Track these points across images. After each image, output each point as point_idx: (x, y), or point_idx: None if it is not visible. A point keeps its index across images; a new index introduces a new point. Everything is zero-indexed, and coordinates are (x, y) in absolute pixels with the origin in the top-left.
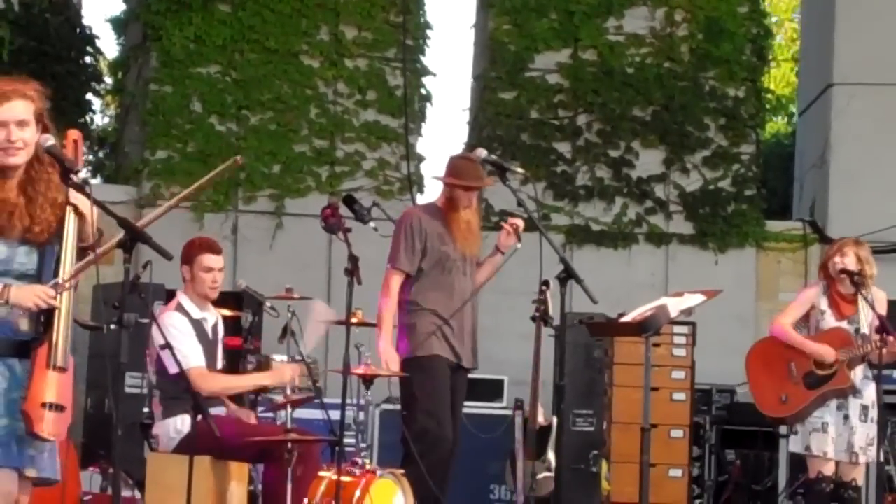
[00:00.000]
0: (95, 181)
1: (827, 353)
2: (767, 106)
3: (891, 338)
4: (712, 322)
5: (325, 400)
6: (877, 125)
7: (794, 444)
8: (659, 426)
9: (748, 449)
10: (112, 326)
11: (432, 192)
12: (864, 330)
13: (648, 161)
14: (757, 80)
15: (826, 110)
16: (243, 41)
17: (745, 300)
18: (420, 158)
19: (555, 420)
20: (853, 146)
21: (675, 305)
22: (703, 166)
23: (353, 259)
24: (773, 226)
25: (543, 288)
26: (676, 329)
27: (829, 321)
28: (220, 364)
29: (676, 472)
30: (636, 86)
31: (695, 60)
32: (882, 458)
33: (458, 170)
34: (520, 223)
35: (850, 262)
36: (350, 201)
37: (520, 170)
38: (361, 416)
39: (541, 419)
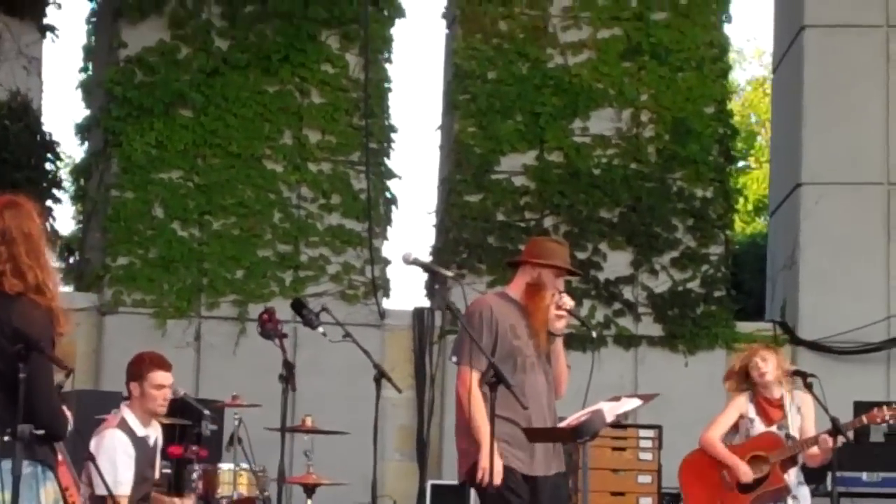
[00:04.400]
0: (65, 288)
1: (744, 474)
2: (737, 206)
3: (824, 436)
4: (682, 425)
5: None
6: (845, 225)
7: None
8: None
9: None
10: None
11: (398, 297)
12: (794, 433)
13: (616, 263)
14: (724, 181)
15: (795, 210)
16: (206, 146)
17: (715, 402)
18: (385, 262)
19: None
20: (822, 246)
21: (611, 410)
22: (671, 267)
23: (289, 366)
24: (744, 327)
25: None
26: (642, 433)
27: (759, 427)
28: (157, 475)
29: None
30: (603, 187)
31: (661, 161)
32: None
33: (547, 251)
34: (570, 303)
35: (771, 367)
36: (298, 306)
37: (448, 273)
38: None
39: None
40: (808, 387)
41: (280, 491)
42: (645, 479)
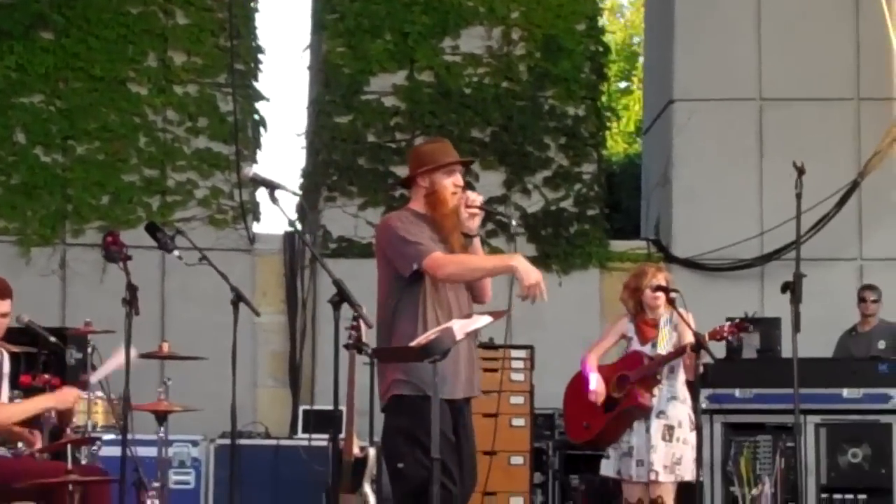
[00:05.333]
0: None
1: (597, 393)
2: (609, 124)
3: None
4: (556, 345)
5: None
6: (718, 141)
7: (607, 468)
8: (498, 453)
9: (593, 474)
10: None
11: (268, 220)
12: (661, 350)
13: (488, 183)
14: (596, 99)
15: (668, 127)
16: (67, 69)
17: (589, 322)
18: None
19: (372, 451)
20: (695, 163)
21: (461, 328)
22: (544, 186)
23: (132, 289)
24: (617, 245)
25: (355, 314)
26: (514, 353)
27: (635, 346)
28: (4, 398)
29: (517, 500)
30: (474, 106)
31: (533, 79)
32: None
33: (429, 154)
34: (478, 198)
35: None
36: (152, 229)
37: (291, 189)
38: (165, 453)
39: (356, 451)
40: (671, 302)
41: (126, 418)
42: (517, 399)
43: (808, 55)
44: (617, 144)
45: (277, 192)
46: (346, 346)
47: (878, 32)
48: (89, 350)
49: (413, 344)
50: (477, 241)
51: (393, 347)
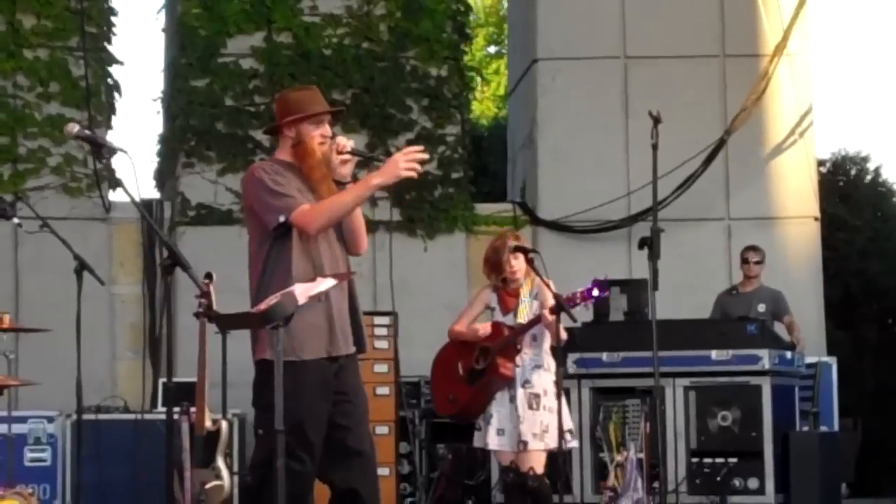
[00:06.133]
0: None
1: (482, 328)
2: (472, 84)
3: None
4: (422, 311)
5: None
6: (582, 101)
7: (478, 440)
8: None
9: (461, 442)
10: None
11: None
12: (522, 320)
13: None
14: (459, 59)
15: (532, 87)
16: None
17: (456, 287)
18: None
19: (225, 425)
20: (560, 124)
21: (303, 292)
22: None
23: None
24: (483, 209)
25: (206, 281)
26: (377, 320)
27: (498, 317)
28: None
29: (384, 471)
30: (334, 68)
31: (394, 40)
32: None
33: (295, 103)
34: (348, 143)
35: (521, 265)
36: None
37: (115, 145)
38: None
39: (208, 424)
40: (530, 262)
41: None
42: (381, 367)
43: (672, 12)
44: (488, 110)
45: (104, 150)
46: (196, 315)
47: None
48: None
49: (253, 310)
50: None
51: (234, 314)
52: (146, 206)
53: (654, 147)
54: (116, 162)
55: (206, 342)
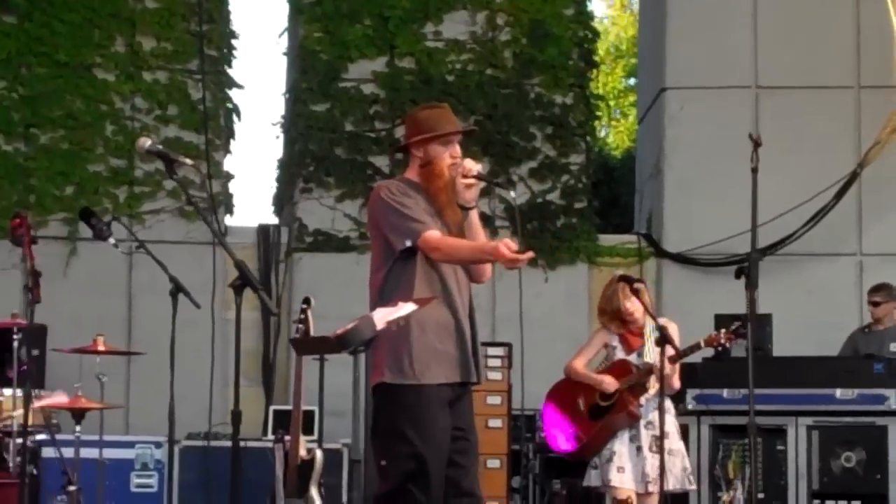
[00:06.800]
0: None
1: (607, 382)
2: (598, 113)
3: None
4: (541, 342)
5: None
6: (710, 130)
7: (596, 479)
8: None
9: (575, 478)
10: None
11: (242, 213)
12: (648, 359)
13: None
14: (585, 86)
15: (660, 117)
16: (30, 54)
17: (577, 319)
18: (228, 176)
19: (319, 454)
20: (687, 154)
21: (382, 317)
22: (529, 178)
23: (35, 275)
24: (607, 240)
25: (304, 307)
26: (490, 351)
27: (619, 355)
28: None
29: None
30: (457, 94)
31: (519, 66)
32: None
33: (425, 121)
34: (475, 167)
35: (638, 306)
36: (87, 215)
37: (188, 161)
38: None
39: (303, 452)
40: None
41: (26, 415)
42: (494, 399)
43: (806, 41)
44: (622, 142)
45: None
46: (292, 342)
47: (878, 18)
48: (15, 344)
49: (330, 335)
50: (474, 213)
51: (312, 338)
52: (263, 232)
53: (754, 171)
54: (235, 186)
55: (302, 368)
